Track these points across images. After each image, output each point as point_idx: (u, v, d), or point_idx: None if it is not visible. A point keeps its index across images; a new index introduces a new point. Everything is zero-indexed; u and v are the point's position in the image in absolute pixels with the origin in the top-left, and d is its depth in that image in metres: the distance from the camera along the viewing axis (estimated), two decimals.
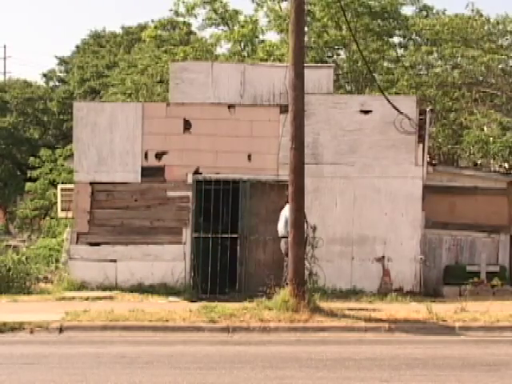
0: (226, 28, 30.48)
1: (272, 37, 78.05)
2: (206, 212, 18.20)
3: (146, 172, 18.08)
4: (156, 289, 17.56)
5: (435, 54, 27.74)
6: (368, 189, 18.12)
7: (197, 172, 18.11)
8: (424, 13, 29.94)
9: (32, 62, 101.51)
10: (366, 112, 18.23)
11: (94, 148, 18.09)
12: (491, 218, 19.11)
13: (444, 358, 11.33)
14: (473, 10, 27.70)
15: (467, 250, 19.13)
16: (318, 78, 18.25)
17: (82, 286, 17.59)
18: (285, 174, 16.09)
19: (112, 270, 17.84)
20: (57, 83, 49.56)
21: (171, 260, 17.87)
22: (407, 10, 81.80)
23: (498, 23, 27.36)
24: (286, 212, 15.83)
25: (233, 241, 18.04)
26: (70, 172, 22.11)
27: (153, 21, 34.97)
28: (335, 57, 29.54)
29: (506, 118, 24.70)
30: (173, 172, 18.07)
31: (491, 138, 23.47)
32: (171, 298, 16.92)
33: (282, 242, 16.23)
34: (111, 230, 18.00)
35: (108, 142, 18.09)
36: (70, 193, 20.08)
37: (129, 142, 18.08)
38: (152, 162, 18.10)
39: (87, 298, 16.54)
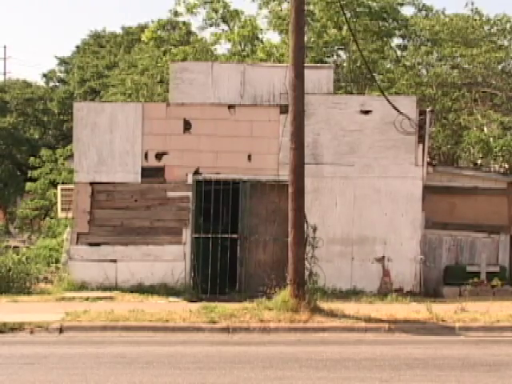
0: (226, 28, 30.48)
1: (272, 37, 78.03)
2: (206, 212, 18.21)
3: (146, 172, 18.09)
4: (156, 289, 17.55)
5: (435, 54, 27.75)
6: (368, 189, 18.12)
7: (197, 172, 18.11)
8: (423, 13, 29.95)
9: (32, 62, 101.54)
10: (366, 112, 18.24)
11: (94, 148, 18.09)
12: (491, 218, 19.12)
13: (444, 358, 11.33)
14: (472, 10, 27.75)
15: (467, 250, 19.14)
16: (317, 78, 18.26)
17: (82, 287, 17.59)
18: (285, 175, 16.09)
19: (112, 271, 17.84)
20: (57, 83, 49.53)
21: (171, 260, 17.87)
22: (407, 11, 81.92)
23: (494, 23, 27.37)
24: None
25: (233, 241, 18.05)
26: (71, 172, 22.10)
27: (153, 21, 34.96)
28: (335, 57, 29.53)
29: (507, 118, 24.70)
30: (173, 172, 18.07)
31: (491, 139, 23.47)
32: (171, 299, 16.92)
33: None
34: (111, 230, 18.00)
35: (108, 143, 18.10)
36: (70, 193, 20.08)
37: (129, 142, 18.09)
38: (152, 162, 18.10)
39: (87, 299, 16.53)
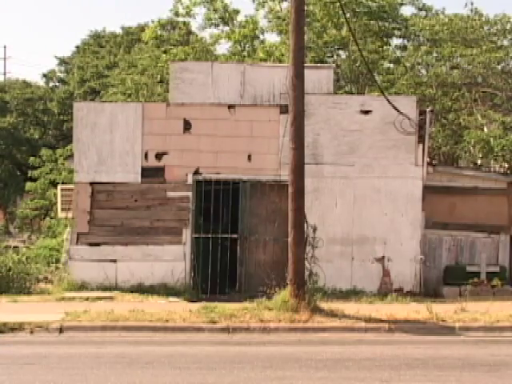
0: (226, 28, 30.45)
1: (272, 37, 77.95)
2: (206, 212, 18.21)
3: (146, 172, 18.09)
4: (156, 289, 17.56)
5: (434, 54, 27.74)
6: (368, 189, 18.13)
7: (197, 172, 18.11)
8: (423, 13, 29.93)
9: (32, 63, 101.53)
10: (366, 112, 18.24)
11: (94, 148, 18.10)
12: (491, 218, 19.12)
13: (444, 358, 11.33)
14: (471, 10, 27.75)
15: (467, 250, 19.14)
16: (317, 78, 18.26)
17: (82, 287, 17.59)
18: (285, 175, 16.09)
19: (112, 271, 17.84)
20: (57, 83, 49.51)
21: (171, 260, 17.87)
22: (406, 10, 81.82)
23: (494, 23, 27.37)
24: None
25: (233, 241, 18.05)
26: (71, 172, 22.10)
27: (153, 21, 34.94)
28: (335, 57, 29.53)
29: (509, 118, 24.70)
30: (173, 172, 18.08)
31: (491, 139, 23.46)
32: (171, 299, 16.92)
33: None
34: (111, 230, 18.00)
35: (108, 143, 18.10)
36: (70, 193, 20.08)
37: (129, 142, 18.09)
38: (152, 162, 18.10)
39: (87, 299, 16.54)
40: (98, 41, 47.99)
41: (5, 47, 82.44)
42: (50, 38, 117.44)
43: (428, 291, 18.19)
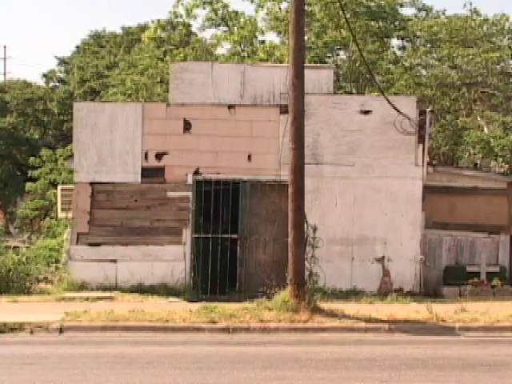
0: (226, 29, 30.43)
1: (272, 38, 77.94)
2: (206, 212, 18.22)
3: (146, 172, 18.09)
4: (156, 289, 17.56)
5: (434, 54, 27.75)
6: (368, 189, 18.13)
7: (197, 172, 18.12)
8: (423, 13, 29.93)
9: (32, 63, 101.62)
10: (366, 112, 18.25)
11: (94, 148, 18.10)
12: (491, 218, 19.13)
13: (444, 359, 11.33)
14: (470, 10, 27.78)
15: (467, 251, 19.14)
16: (317, 78, 18.26)
17: (82, 287, 17.59)
18: (285, 175, 16.08)
19: (112, 271, 17.84)
20: (57, 83, 49.52)
21: (171, 260, 17.87)
22: (406, 11, 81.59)
23: (493, 23, 27.38)
24: None
25: (233, 241, 18.06)
26: (71, 172, 22.09)
27: (153, 21, 34.92)
28: (335, 57, 29.53)
29: (509, 118, 24.69)
30: (173, 172, 18.08)
31: (492, 139, 23.46)
32: (171, 299, 16.92)
33: None
34: (111, 230, 18.00)
35: (108, 143, 18.10)
36: (70, 193, 20.09)
37: (129, 142, 18.09)
38: (152, 162, 18.11)
39: (87, 299, 16.54)
40: (97, 41, 48.00)
41: (5, 47, 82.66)
42: (50, 38, 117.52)
43: (428, 291, 18.19)
